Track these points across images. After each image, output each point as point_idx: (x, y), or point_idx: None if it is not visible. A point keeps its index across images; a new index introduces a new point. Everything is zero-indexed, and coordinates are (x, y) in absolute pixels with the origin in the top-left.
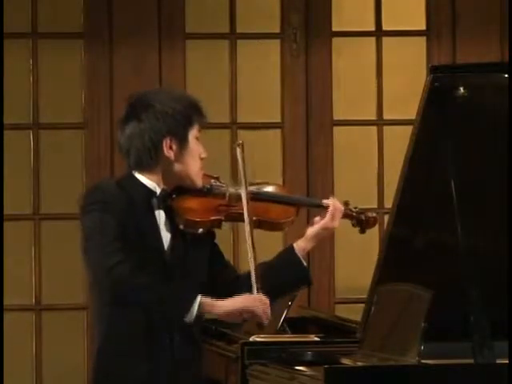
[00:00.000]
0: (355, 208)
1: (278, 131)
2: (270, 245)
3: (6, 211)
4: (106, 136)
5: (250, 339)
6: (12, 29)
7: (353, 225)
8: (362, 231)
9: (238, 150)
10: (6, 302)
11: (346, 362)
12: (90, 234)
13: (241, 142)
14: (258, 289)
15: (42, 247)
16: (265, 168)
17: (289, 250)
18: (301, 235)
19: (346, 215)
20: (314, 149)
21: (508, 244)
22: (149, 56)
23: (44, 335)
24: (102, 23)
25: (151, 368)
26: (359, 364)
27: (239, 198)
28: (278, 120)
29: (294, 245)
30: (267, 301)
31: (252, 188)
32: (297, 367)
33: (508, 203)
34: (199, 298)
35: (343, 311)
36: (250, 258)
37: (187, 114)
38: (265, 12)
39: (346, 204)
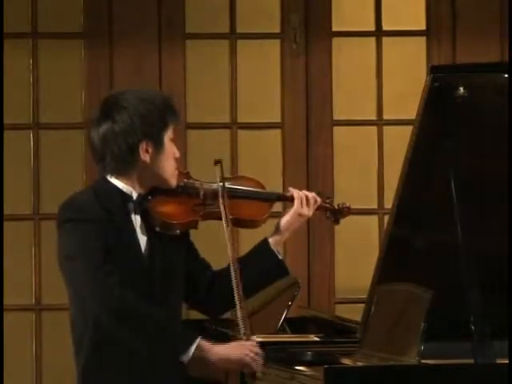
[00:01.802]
0: (328, 198)
1: (278, 131)
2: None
3: (6, 211)
4: None
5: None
6: (12, 29)
7: (327, 217)
8: (336, 222)
9: (217, 169)
10: (6, 301)
11: (346, 361)
12: (76, 252)
13: (220, 160)
14: (246, 334)
15: (41, 247)
16: (265, 168)
17: (263, 245)
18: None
19: (319, 207)
20: (313, 149)
21: (508, 244)
22: (149, 56)
23: (44, 335)
24: (102, 23)
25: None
26: (359, 364)
27: (214, 195)
28: (278, 120)
29: (270, 239)
30: (258, 349)
31: (226, 184)
32: (297, 367)
33: (508, 203)
34: (198, 339)
35: (343, 311)
36: (235, 294)
37: (162, 116)
38: (265, 12)
39: (319, 195)
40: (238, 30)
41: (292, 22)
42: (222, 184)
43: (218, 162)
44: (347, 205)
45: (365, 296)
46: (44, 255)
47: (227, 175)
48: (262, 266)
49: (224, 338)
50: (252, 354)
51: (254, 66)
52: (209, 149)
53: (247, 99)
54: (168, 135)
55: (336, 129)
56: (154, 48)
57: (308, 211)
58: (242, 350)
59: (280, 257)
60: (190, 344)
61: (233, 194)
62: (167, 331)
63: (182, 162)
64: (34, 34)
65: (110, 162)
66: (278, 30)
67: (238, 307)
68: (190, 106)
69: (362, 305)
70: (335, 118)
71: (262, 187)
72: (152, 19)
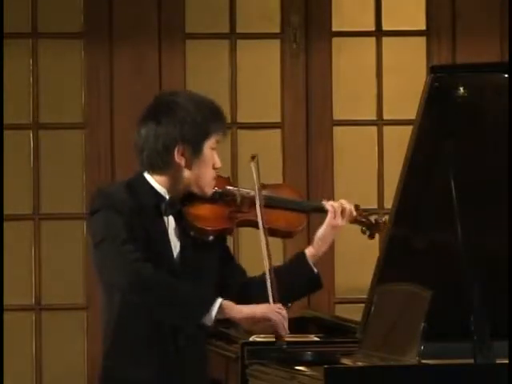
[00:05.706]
0: (365, 212)
1: (278, 131)
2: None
3: (6, 211)
4: (105, 136)
5: (250, 339)
6: (12, 29)
7: (362, 231)
8: (372, 236)
9: (253, 164)
10: (6, 301)
11: (345, 361)
12: (102, 236)
13: (255, 154)
14: (274, 299)
15: (41, 247)
16: (265, 168)
17: (299, 256)
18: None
19: (355, 220)
20: (313, 149)
21: (508, 244)
22: (149, 56)
23: (44, 335)
24: (102, 23)
25: (156, 371)
26: (359, 364)
27: (250, 203)
28: (278, 120)
29: (306, 251)
30: (285, 313)
31: (264, 193)
32: (297, 367)
33: (508, 203)
34: (220, 300)
35: (343, 311)
36: (266, 268)
37: (206, 125)
38: (265, 12)
39: (356, 208)
40: (238, 30)
41: (292, 22)
42: (257, 187)
43: (253, 157)
44: (384, 219)
45: (365, 296)
46: (44, 255)
47: (228, 175)
48: (297, 279)
49: (224, 338)
50: (281, 317)
51: (254, 66)
52: None
53: (247, 99)
54: (209, 144)
55: (336, 129)
56: (154, 48)
57: (342, 222)
58: (272, 311)
59: (316, 270)
60: (211, 305)
61: (268, 204)
62: (187, 296)
63: None
64: (34, 34)
65: (147, 157)
66: (277, 30)
67: (267, 274)
68: None
69: (362, 305)
70: (335, 118)
71: (300, 196)
72: (152, 19)
